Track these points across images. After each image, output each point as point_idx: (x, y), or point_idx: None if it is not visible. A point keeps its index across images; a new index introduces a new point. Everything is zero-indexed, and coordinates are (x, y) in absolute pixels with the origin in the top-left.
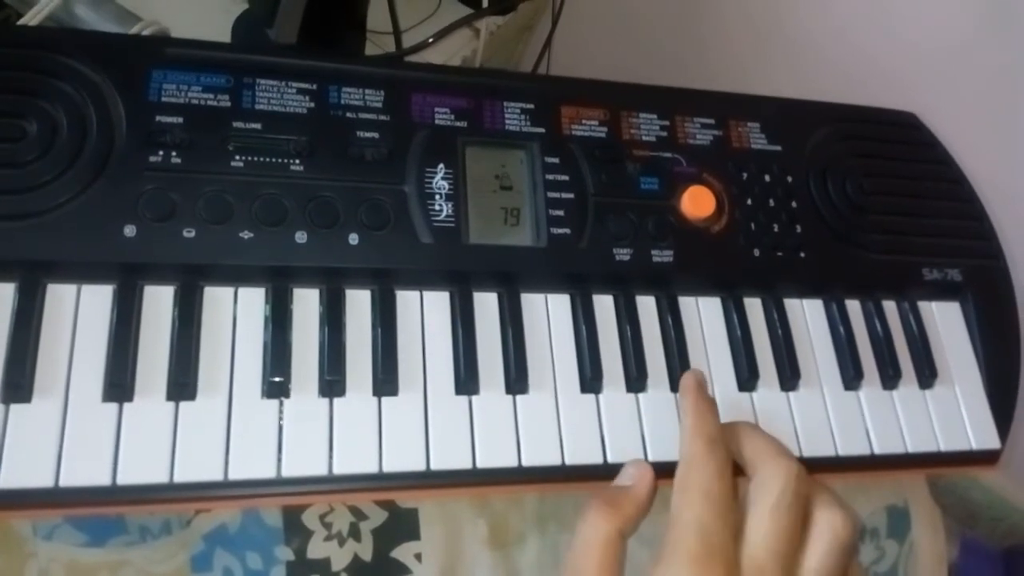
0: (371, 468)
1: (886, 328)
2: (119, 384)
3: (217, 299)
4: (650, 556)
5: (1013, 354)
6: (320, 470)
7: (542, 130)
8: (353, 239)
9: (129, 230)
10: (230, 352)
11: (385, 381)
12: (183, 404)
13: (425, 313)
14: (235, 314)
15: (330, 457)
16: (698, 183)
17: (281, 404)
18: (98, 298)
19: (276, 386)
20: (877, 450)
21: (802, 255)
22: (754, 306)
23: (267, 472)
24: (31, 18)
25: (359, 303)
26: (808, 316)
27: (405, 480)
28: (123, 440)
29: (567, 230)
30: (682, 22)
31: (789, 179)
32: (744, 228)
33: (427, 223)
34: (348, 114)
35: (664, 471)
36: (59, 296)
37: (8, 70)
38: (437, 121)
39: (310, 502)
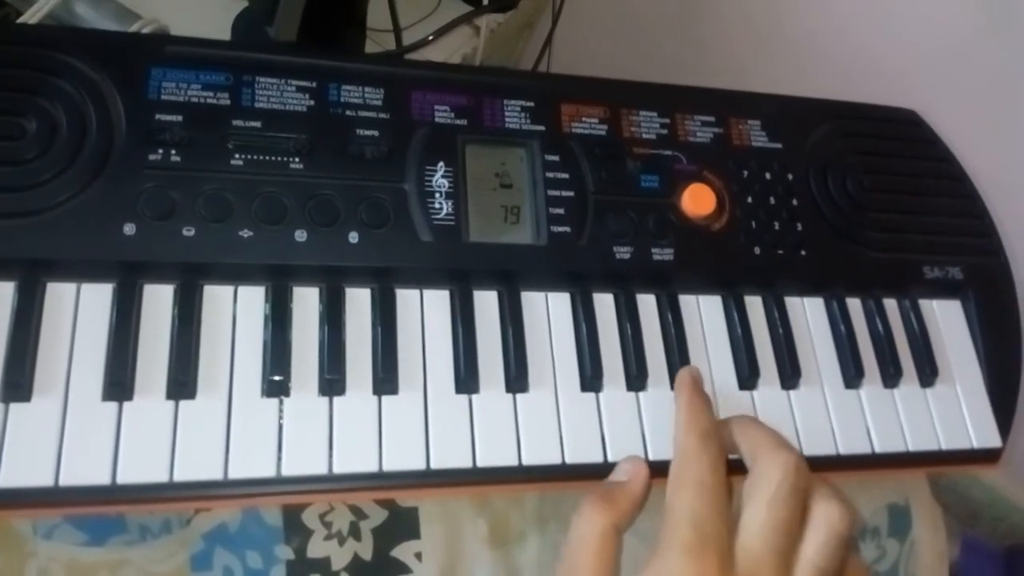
0: (371, 467)
1: (887, 326)
2: (119, 383)
3: (217, 298)
4: (647, 551)
5: (1014, 352)
6: (320, 469)
7: (542, 128)
8: (353, 237)
9: (129, 228)
10: (230, 351)
11: (385, 380)
12: (183, 403)
13: (425, 311)
14: (235, 313)
15: (330, 456)
16: (698, 181)
17: (281, 403)
18: (98, 297)
19: (276, 385)
20: (878, 449)
21: (803, 253)
22: (755, 304)
23: (267, 471)
24: (31, 16)
25: (359, 301)
26: (809, 314)
27: (405, 479)
28: (123, 439)
29: (567, 228)
30: (682, 20)
31: (790, 177)
32: (745, 226)
33: (427, 221)
34: (348, 112)
35: (664, 470)
36: (59, 295)
37: (8, 68)
38: (437, 119)
39: (310, 501)
